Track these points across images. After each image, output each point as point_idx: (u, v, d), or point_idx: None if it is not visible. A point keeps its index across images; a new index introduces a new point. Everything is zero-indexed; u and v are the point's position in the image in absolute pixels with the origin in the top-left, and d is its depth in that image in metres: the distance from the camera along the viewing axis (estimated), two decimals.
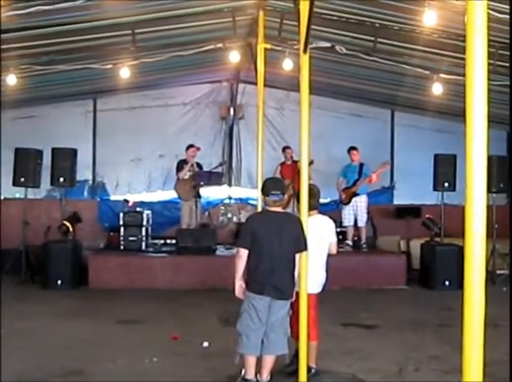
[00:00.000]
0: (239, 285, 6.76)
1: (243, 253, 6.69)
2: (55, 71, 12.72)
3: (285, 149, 16.14)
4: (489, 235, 14.16)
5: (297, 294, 6.86)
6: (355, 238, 15.26)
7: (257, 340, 6.73)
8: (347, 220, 15.08)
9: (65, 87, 15.22)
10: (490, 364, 5.94)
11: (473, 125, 3.32)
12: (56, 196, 15.98)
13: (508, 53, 11.03)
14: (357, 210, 15.02)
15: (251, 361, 6.77)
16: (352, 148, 15.36)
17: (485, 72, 3.29)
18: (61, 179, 14.03)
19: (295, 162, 15.27)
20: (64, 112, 17.24)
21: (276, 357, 6.89)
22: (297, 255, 6.76)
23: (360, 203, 15.05)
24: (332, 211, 13.52)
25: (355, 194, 15.00)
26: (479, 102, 3.30)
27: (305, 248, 6.78)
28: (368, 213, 15.33)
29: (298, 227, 6.79)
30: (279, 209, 6.91)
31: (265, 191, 6.91)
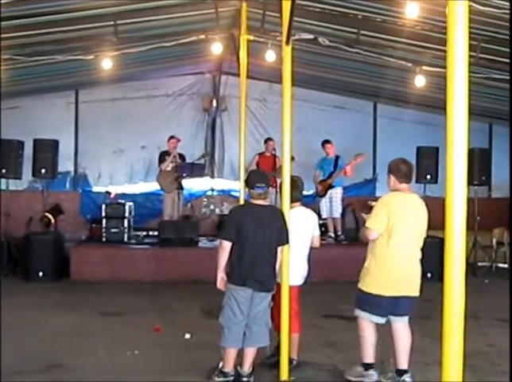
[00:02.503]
0: (221, 277, 6.77)
1: (226, 245, 6.70)
2: (37, 62, 12.61)
3: (267, 140, 16.11)
4: (471, 227, 14.16)
5: (278, 285, 6.89)
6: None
7: (239, 332, 6.75)
8: (325, 212, 15.10)
9: (47, 78, 15.12)
10: (471, 356, 5.99)
11: (454, 117, 3.32)
12: (37, 188, 15.90)
13: (491, 46, 11.08)
14: (332, 202, 15.06)
15: (232, 354, 6.79)
16: (326, 141, 15.39)
17: (466, 64, 3.29)
18: (43, 170, 13.96)
19: (275, 156, 15.34)
20: (46, 103, 17.16)
21: (258, 349, 6.92)
22: (279, 248, 6.79)
23: (335, 195, 15.07)
24: (310, 203, 13.55)
25: (331, 186, 15.04)
26: (459, 94, 3.31)
27: (287, 242, 6.82)
28: (347, 205, 15.37)
29: (281, 220, 6.82)
30: (263, 202, 6.91)
31: (250, 183, 6.90)
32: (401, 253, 6.69)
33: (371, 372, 7.01)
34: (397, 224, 6.64)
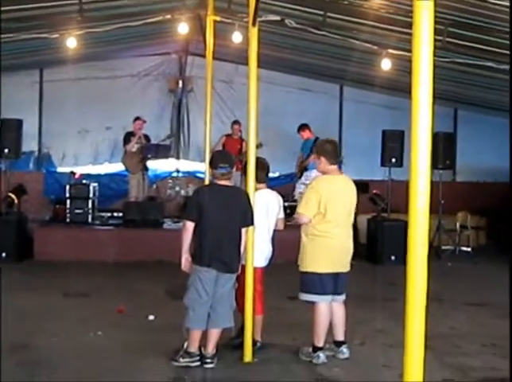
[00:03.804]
0: (185, 258, 6.77)
1: (190, 226, 6.69)
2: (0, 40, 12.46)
3: (233, 124, 16.10)
4: (435, 211, 14.22)
5: (243, 267, 6.90)
6: None
7: (204, 313, 6.75)
8: (298, 194, 15.17)
9: (11, 57, 14.85)
10: (433, 338, 6.05)
11: (418, 101, 3.33)
12: (0, 168, 15.72)
13: (458, 31, 11.11)
14: (305, 184, 15.12)
15: (196, 335, 6.79)
16: (301, 127, 15.51)
17: (431, 48, 3.29)
18: (6, 150, 13.74)
19: (242, 139, 15.33)
20: (10, 82, 16.86)
21: (222, 330, 6.93)
22: (244, 229, 6.80)
23: (310, 178, 15.10)
24: (283, 185, 13.58)
25: (305, 169, 15.10)
26: (424, 78, 3.31)
27: (252, 223, 6.84)
28: None
29: (246, 201, 6.83)
30: (227, 183, 6.90)
31: (213, 164, 6.91)
32: (333, 234, 7.13)
33: (319, 353, 7.14)
34: (328, 207, 7.04)
